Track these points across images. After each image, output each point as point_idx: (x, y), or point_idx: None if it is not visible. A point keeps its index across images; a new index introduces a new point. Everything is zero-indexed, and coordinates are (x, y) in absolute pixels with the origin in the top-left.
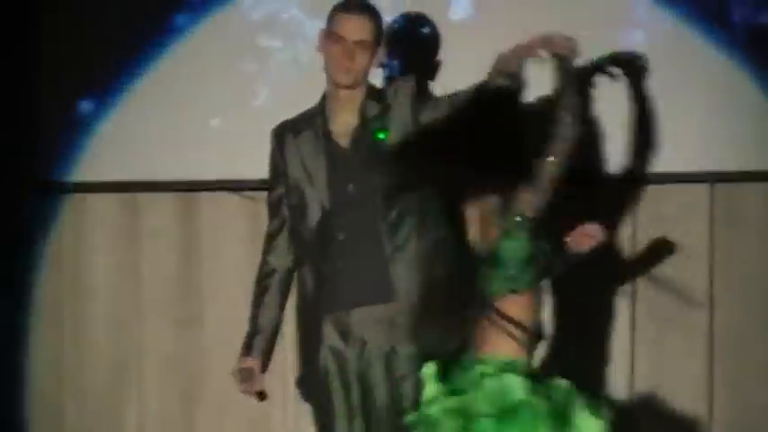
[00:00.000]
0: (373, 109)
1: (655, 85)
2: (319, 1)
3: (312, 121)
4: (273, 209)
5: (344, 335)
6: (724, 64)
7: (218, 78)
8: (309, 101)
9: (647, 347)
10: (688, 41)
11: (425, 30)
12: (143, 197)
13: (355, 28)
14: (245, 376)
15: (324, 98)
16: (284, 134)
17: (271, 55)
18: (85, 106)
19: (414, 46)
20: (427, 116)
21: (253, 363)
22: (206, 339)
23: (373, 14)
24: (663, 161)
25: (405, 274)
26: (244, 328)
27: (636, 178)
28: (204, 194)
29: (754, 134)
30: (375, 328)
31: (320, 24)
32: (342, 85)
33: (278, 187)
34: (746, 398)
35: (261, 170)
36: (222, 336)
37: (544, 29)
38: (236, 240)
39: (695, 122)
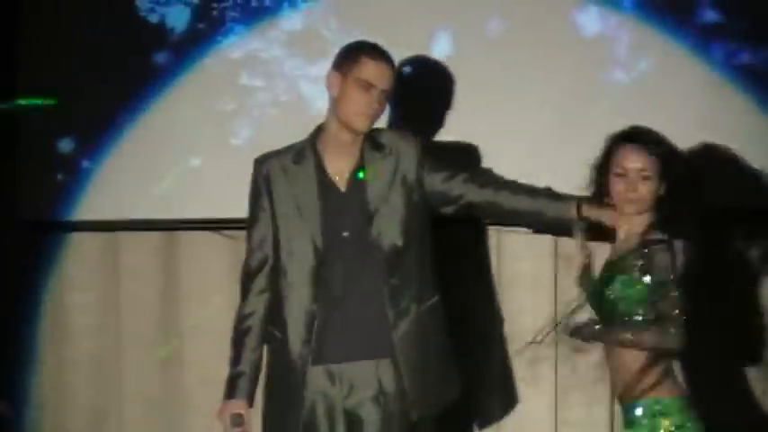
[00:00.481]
0: (374, 157)
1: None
2: (299, 41)
3: (303, 157)
4: (256, 244)
5: (331, 376)
6: (707, 101)
7: (198, 117)
8: (289, 140)
9: None
10: (670, 81)
11: (431, 76)
12: (124, 236)
13: (386, 77)
14: (236, 421)
15: (315, 135)
16: (271, 166)
17: (251, 94)
18: (66, 145)
19: (418, 95)
20: (435, 180)
21: (240, 406)
22: (187, 379)
23: (393, 62)
24: None
25: (405, 339)
26: (224, 366)
27: None
28: (184, 233)
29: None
30: (363, 371)
31: (300, 63)
32: (357, 131)
33: (260, 222)
34: None
35: (241, 209)
36: (203, 375)
37: (524, 69)
38: (216, 279)
39: None
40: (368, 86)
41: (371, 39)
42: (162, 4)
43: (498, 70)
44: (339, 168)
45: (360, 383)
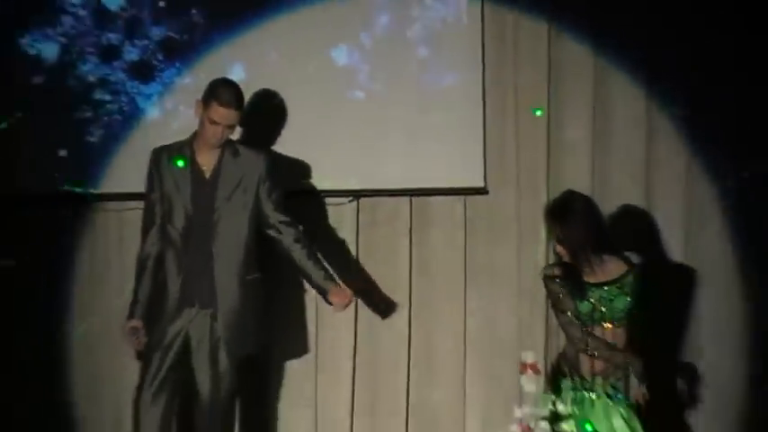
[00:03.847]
0: (229, 160)
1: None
2: (136, 68)
3: (183, 151)
4: (149, 209)
5: (188, 314)
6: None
7: (65, 122)
8: (126, 137)
9: None
10: (401, 97)
11: (275, 103)
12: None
13: (228, 118)
14: (134, 332)
15: (193, 136)
16: (161, 155)
17: (102, 105)
18: None
19: (263, 116)
20: (267, 204)
21: (137, 323)
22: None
23: (240, 105)
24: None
25: (229, 299)
26: None
27: None
28: None
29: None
30: (201, 314)
31: (137, 84)
32: (210, 148)
33: (153, 193)
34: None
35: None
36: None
37: (294, 90)
38: None
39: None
40: (214, 122)
41: (197, 76)
42: (38, 41)
43: (280, 91)
44: (206, 162)
45: (199, 318)
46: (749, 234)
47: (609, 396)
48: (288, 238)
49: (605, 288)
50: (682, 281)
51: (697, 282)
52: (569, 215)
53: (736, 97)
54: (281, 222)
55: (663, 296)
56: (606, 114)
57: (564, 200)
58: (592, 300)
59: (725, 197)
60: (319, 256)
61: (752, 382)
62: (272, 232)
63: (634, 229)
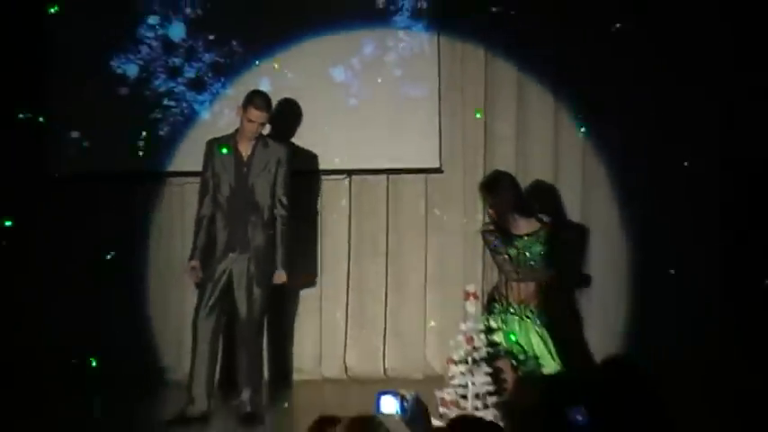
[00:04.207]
0: (260, 149)
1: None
2: (192, 82)
3: (228, 141)
4: (204, 184)
5: (232, 258)
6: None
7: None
8: (189, 132)
9: None
10: (381, 107)
11: (293, 108)
12: None
13: (261, 117)
14: (193, 271)
15: (236, 131)
16: (213, 145)
17: (168, 109)
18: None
19: (285, 117)
20: (279, 189)
21: (195, 263)
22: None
23: (270, 107)
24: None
25: (258, 245)
26: None
27: None
28: None
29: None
30: (240, 257)
31: (194, 95)
32: (249, 139)
33: (206, 172)
34: None
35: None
36: None
37: (306, 97)
38: None
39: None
40: (250, 120)
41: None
42: (123, 63)
43: (296, 99)
44: (244, 150)
45: (239, 260)
46: (630, 202)
47: (528, 318)
48: (280, 218)
49: (526, 239)
50: (579, 235)
51: (590, 235)
52: (497, 189)
53: (618, 99)
54: (280, 204)
55: (565, 245)
56: (526, 114)
57: (493, 177)
58: (518, 247)
59: (612, 173)
60: (288, 241)
61: (630, 302)
62: (275, 212)
63: (545, 198)
